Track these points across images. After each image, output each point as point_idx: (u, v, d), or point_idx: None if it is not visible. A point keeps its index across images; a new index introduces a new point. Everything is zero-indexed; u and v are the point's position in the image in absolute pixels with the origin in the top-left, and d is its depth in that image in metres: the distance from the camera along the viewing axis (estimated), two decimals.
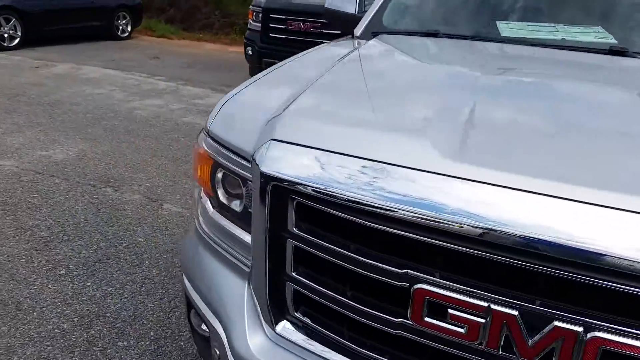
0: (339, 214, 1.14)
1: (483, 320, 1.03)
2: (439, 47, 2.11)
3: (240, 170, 1.38)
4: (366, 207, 1.10)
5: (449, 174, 1.07)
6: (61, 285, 2.81)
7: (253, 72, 7.48)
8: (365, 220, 1.11)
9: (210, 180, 1.52)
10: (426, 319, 1.08)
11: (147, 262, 3.11)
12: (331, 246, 1.17)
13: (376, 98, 1.48)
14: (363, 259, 1.12)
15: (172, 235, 3.44)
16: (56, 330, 2.47)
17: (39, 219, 3.52)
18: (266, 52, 6.98)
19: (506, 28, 2.37)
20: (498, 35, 2.28)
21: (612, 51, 2.02)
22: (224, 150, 1.43)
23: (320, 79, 1.60)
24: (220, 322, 1.44)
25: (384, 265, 1.10)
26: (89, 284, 2.84)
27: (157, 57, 9.94)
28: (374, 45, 2.08)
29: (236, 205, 1.47)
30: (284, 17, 6.78)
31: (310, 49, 2.16)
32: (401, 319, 1.11)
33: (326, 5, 2.90)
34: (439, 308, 1.07)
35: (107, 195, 3.97)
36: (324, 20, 6.64)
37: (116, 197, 3.95)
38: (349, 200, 1.12)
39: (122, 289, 2.82)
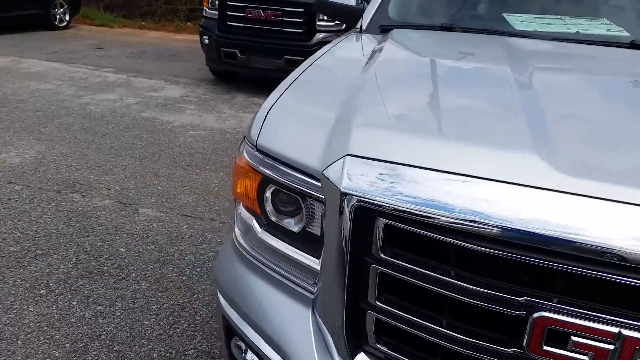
0: (437, 236, 1.04)
1: (612, 347, 0.96)
2: (465, 44, 2.03)
3: (302, 188, 1.24)
4: (472, 229, 1.00)
5: (563, 190, 0.98)
6: (44, 307, 2.56)
7: (210, 61, 7.21)
8: (471, 244, 1.01)
9: (257, 197, 1.38)
10: (545, 347, 0.99)
11: (133, 274, 2.89)
12: (428, 272, 1.06)
13: (438, 104, 1.38)
14: (470, 287, 1.02)
15: (155, 244, 3.22)
16: None
17: (5, 232, 3.20)
18: (224, 41, 6.72)
19: (517, 21, 2.32)
20: (512, 28, 2.23)
21: (635, 44, 2.01)
22: (278, 165, 1.29)
23: (366, 85, 1.48)
24: (279, 353, 1.31)
25: (497, 293, 1.00)
26: (74, 303, 2.60)
27: (100, 48, 9.39)
28: (399, 43, 1.96)
29: (290, 225, 1.33)
30: (242, 4, 6.53)
31: (325, 48, 2.00)
32: (513, 349, 1.02)
33: None
34: (559, 335, 0.99)
35: (76, 201, 3.68)
36: (284, 8, 6.49)
37: (85, 203, 3.67)
38: (449, 222, 1.01)
39: (113, 306, 2.60)
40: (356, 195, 1.09)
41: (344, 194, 1.10)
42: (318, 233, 1.27)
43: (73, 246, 3.11)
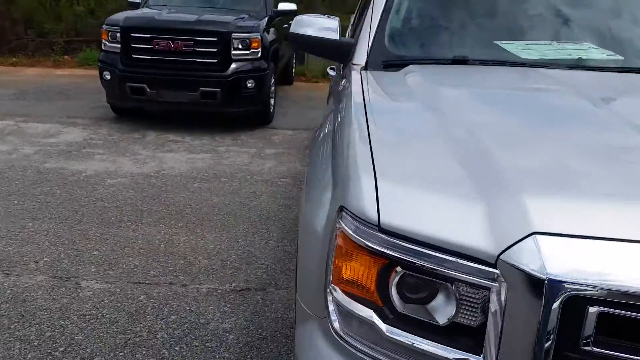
0: None
1: None
2: (515, 78, 1.94)
3: (457, 273, 1.01)
4: None
5: None
6: None
7: (113, 98, 6.59)
8: None
9: (377, 285, 1.12)
10: None
11: None
12: None
13: (592, 156, 1.24)
14: None
15: (115, 323, 2.73)
16: None
17: None
18: (130, 76, 6.16)
19: (514, 49, 2.27)
20: (518, 58, 2.18)
21: None
22: (421, 249, 1.05)
23: (475, 140, 1.30)
24: None
25: None
26: None
27: None
28: (444, 83, 1.81)
29: (425, 316, 1.09)
30: (149, 36, 6.03)
31: (355, 98, 1.76)
32: None
33: (293, 31, 2.50)
34: None
35: (0, 283, 3.04)
36: (196, 38, 6.10)
37: (13, 283, 3.05)
38: None
39: None
40: (565, 283, 0.90)
41: (545, 282, 0.90)
42: (472, 324, 1.05)
43: (15, 343, 2.53)
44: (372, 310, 1.13)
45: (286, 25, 8.30)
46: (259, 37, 6.30)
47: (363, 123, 1.45)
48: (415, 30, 2.33)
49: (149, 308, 2.89)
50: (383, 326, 1.11)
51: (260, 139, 6.30)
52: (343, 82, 2.10)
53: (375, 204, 1.10)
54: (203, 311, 2.88)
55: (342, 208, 1.19)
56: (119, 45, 6.13)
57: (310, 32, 2.41)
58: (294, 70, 9.87)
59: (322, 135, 1.94)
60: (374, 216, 1.09)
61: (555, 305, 0.91)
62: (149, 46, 6.07)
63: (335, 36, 2.38)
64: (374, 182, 1.15)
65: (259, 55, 6.32)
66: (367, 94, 1.70)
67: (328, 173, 1.47)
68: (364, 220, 1.11)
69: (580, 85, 1.77)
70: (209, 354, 2.55)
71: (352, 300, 1.17)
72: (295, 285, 2.02)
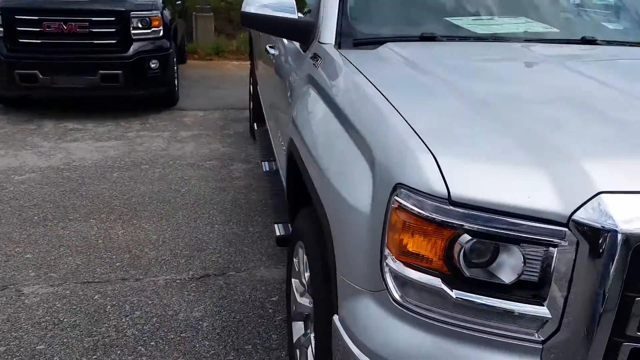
0: None
1: None
2: (495, 52, 2.10)
3: (529, 235, 1.15)
4: None
5: None
6: None
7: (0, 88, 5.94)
8: None
9: (444, 254, 1.22)
10: None
11: None
12: None
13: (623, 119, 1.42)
14: None
15: (77, 327, 2.59)
16: None
17: None
18: (19, 62, 5.58)
19: (465, 24, 2.44)
20: (474, 34, 2.34)
21: (586, 41, 2.29)
22: (497, 217, 1.16)
23: (516, 107, 1.45)
24: None
25: None
26: None
27: None
28: (442, 58, 1.92)
29: (489, 277, 1.21)
30: (37, 17, 5.49)
31: (353, 78, 1.79)
32: None
33: (245, 10, 2.45)
34: None
35: None
36: (92, 18, 5.67)
37: None
38: None
39: None
40: (634, 234, 1.08)
41: (618, 235, 1.06)
42: (534, 279, 1.20)
43: None
44: (438, 279, 1.23)
45: (179, 2, 7.96)
46: (159, 15, 6.00)
47: (382, 100, 1.51)
48: (377, 8, 2.40)
49: (109, 307, 2.76)
50: (452, 292, 1.22)
51: (170, 122, 6.07)
52: (319, 61, 2.12)
53: (441, 178, 1.19)
54: (167, 303, 2.81)
55: (397, 185, 1.26)
56: (2, 29, 5.52)
57: (261, 10, 2.38)
58: (185, 49, 9.52)
59: (313, 117, 1.96)
60: (443, 190, 1.18)
61: (625, 254, 1.07)
62: (38, 29, 5.53)
63: (293, 15, 2.38)
64: (432, 157, 1.23)
65: (161, 34, 6.03)
66: (365, 71, 1.74)
67: (351, 153, 1.52)
68: (432, 195, 1.19)
69: (557, 55, 1.98)
70: (188, 344, 2.51)
71: (415, 271, 1.25)
72: (302, 269, 2.05)
